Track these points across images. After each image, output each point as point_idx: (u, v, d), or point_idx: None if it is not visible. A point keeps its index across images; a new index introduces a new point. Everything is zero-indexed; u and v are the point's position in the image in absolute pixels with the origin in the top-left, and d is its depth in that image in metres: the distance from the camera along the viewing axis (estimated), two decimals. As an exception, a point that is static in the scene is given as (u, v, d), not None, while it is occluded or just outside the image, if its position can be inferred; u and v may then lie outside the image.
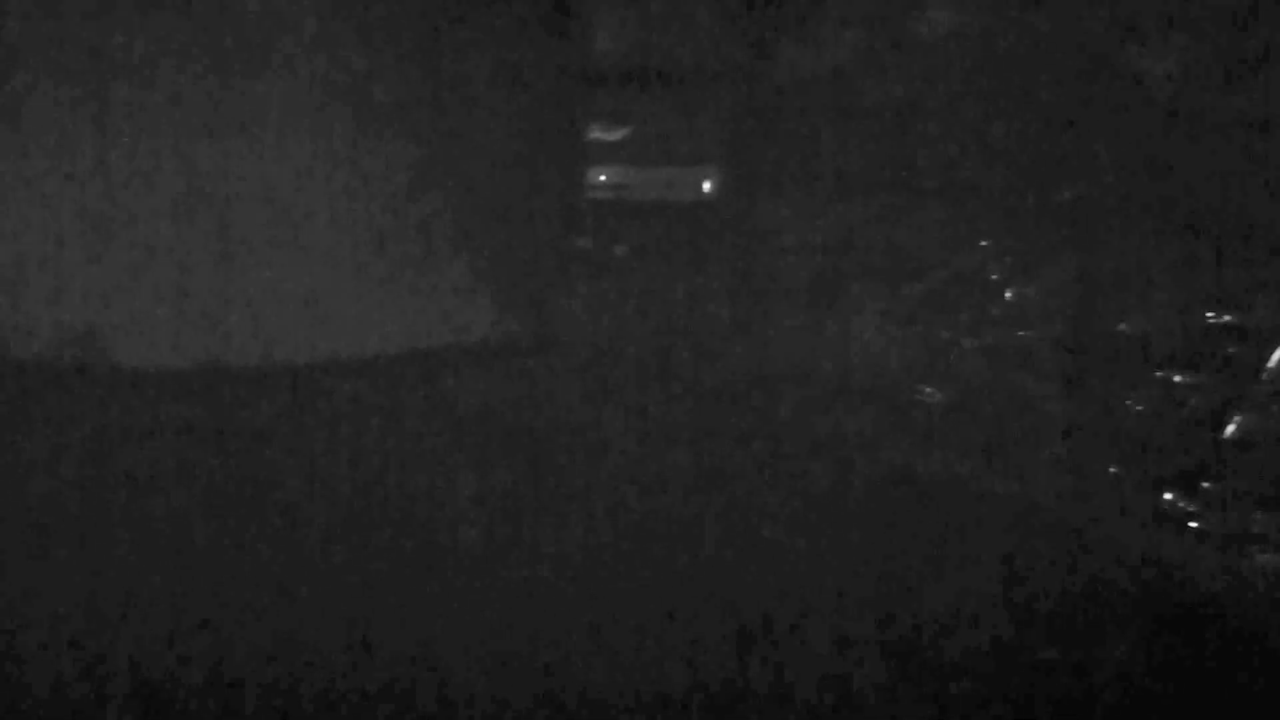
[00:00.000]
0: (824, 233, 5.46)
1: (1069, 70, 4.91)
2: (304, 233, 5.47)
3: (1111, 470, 4.32)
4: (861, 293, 5.37)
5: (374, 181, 5.49)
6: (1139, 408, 4.42)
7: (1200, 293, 4.46)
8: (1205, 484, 4.15)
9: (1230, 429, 4.16)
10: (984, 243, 5.03)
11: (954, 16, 5.46)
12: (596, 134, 5.61)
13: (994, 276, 4.99)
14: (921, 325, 5.12)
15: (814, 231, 5.46)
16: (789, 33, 5.68)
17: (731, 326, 5.39)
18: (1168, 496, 4.29)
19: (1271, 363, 4.17)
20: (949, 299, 5.08)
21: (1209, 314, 4.42)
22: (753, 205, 5.62)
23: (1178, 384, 4.37)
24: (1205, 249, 4.50)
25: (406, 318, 5.54)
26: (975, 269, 5.04)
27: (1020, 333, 4.85)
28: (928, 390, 4.95)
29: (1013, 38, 5.16)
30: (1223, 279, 4.45)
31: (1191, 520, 4.20)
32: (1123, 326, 4.57)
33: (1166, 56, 4.80)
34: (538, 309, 5.63)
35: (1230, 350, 4.31)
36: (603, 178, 5.64)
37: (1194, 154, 4.66)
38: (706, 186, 5.63)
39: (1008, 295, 4.94)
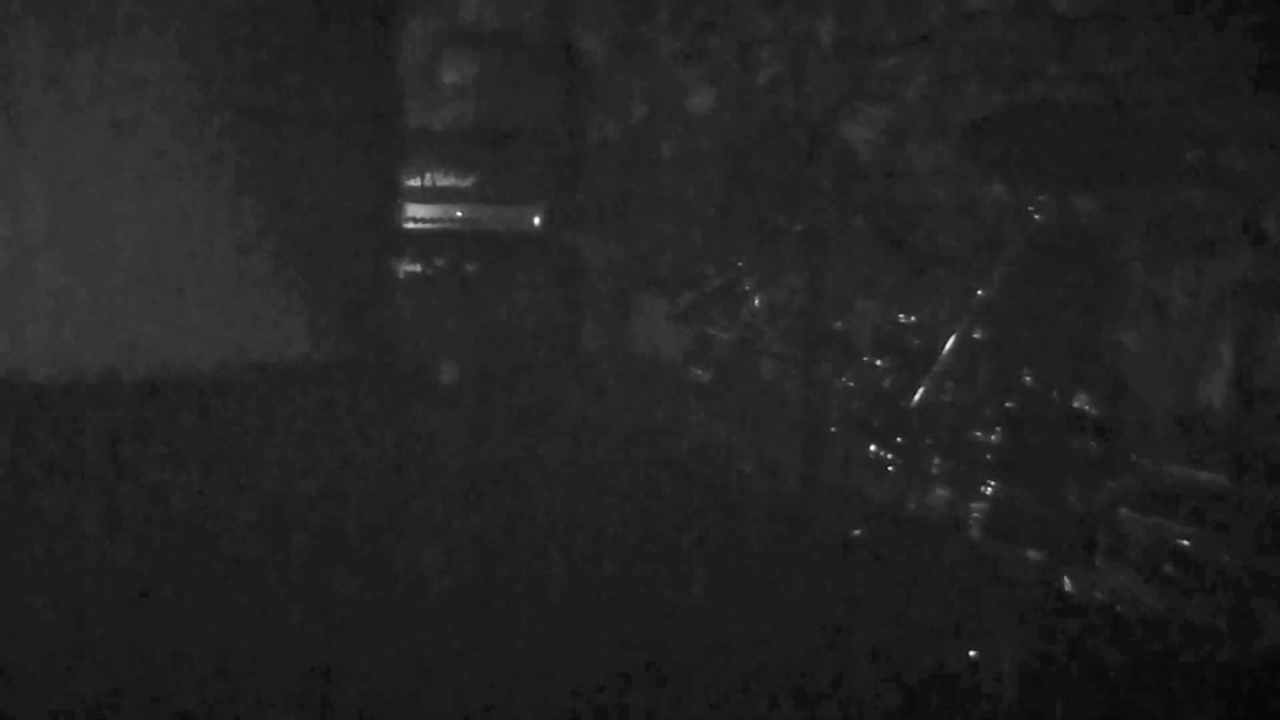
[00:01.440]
0: (622, 255, 6.14)
1: (801, 135, 5.39)
2: (120, 250, 5.57)
3: (832, 429, 4.85)
4: (649, 300, 6.06)
5: (193, 204, 5.68)
6: (850, 384, 4.93)
7: (894, 297, 4.92)
8: (898, 439, 4.69)
9: (915, 399, 4.60)
10: (739, 263, 5.58)
11: (714, 96, 6.13)
12: (455, 180, 6.28)
13: (746, 287, 5.52)
14: (693, 324, 5.70)
15: (615, 254, 6.13)
16: (593, 104, 6.42)
17: (555, 327, 6.02)
18: (873, 447, 4.76)
19: (944, 351, 4.59)
20: (713, 304, 5.62)
21: (900, 314, 4.89)
22: (570, 234, 6.29)
23: (878, 366, 4.87)
24: (898, 265, 4.96)
25: (221, 334, 5.64)
26: (732, 282, 5.58)
27: (765, 329, 5.40)
28: (698, 372, 5.62)
29: (759, 111, 5.77)
30: (909, 287, 4.88)
31: (889, 465, 4.69)
32: (838, 324, 5.04)
33: (869, 125, 5.30)
34: (355, 328, 5.92)
35: (915, 342, 4.79)
36: (459, 214, 6.28)
37: (890, 197, 5.10)
38: (536, 220, 6.26)
39: (756, 302, 5.48)
